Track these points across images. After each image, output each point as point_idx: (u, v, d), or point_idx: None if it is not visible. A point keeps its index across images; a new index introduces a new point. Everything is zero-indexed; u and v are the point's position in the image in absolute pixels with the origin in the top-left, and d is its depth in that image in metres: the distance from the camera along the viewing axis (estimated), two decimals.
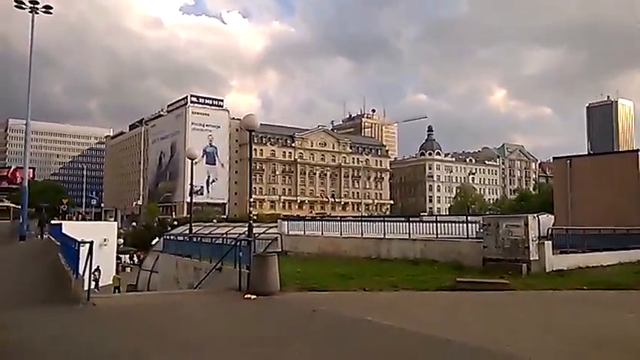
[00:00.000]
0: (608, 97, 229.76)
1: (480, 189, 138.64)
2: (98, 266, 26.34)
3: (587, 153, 67.36)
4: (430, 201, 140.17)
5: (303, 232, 25.31)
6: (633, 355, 7.09)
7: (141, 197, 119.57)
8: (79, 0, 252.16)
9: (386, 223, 22.15)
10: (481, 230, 17.07)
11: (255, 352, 7.16)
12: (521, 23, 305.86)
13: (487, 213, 59.16)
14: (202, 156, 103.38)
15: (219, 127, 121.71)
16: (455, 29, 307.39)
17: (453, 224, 19.34)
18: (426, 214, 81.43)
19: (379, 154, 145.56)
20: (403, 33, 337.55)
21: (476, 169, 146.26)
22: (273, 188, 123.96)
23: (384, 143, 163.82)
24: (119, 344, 7.49)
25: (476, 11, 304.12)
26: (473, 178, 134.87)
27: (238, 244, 13.61)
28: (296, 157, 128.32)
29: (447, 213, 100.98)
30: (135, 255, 58.74)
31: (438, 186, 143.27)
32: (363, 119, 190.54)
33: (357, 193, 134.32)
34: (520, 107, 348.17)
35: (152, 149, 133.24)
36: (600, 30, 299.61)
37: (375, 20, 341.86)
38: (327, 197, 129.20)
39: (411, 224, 20.70)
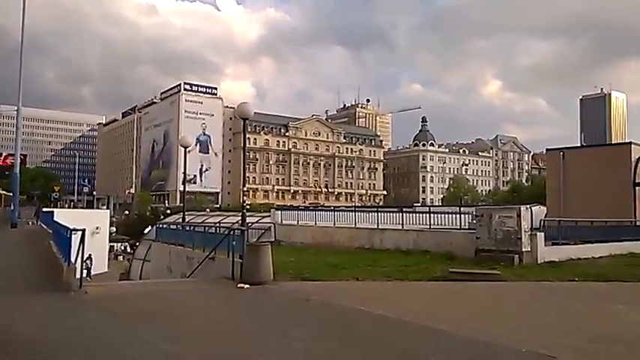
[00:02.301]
0: (602, 89, 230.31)
1: (473, 180, 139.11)
2: (90, 254, 26.20)
3: (580, 145, 67.68)
4: (423, 192, 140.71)
5: (296, 222, 25.29)
6: (625, 347, 7.14)
7: (134, 185, 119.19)
8: None
9: (379, 214, 22.17)
10: (474, 221, 17.11)
11: (248, 340, 7.17)
12: (519, 14, 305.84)
13: (480, 204, 59.38)
14: (195, 144, 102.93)
15: (212, 115, 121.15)
16: (453, 19, 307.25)
17: (446, 215, 19.40)
18: (419, 204, 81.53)
19: (373, 144, 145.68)
20: (401, 22, 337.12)
21: (469, 160, 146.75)
22: (267, 178, 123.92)
23: (378, 133, 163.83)
24: (111, 332, 7.45)
25: (475, 1, 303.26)
26: (466, 169, 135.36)
27: (231, 233, 13.57)
28: (290, 147, 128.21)
29: (440, 204, 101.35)
30: (127, 243, 58.59)
31: (432, 177, 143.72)
32: (357, 109, 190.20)
33: (351, 183, 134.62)
34: (515, 99, 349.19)
35: (145, 137, 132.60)
36: (596, 22, 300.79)
37: (372, 9, 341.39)
38: (320, 187, 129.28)
39: (404, 215, 20.70)
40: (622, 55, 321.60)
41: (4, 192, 39.62)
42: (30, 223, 31.65)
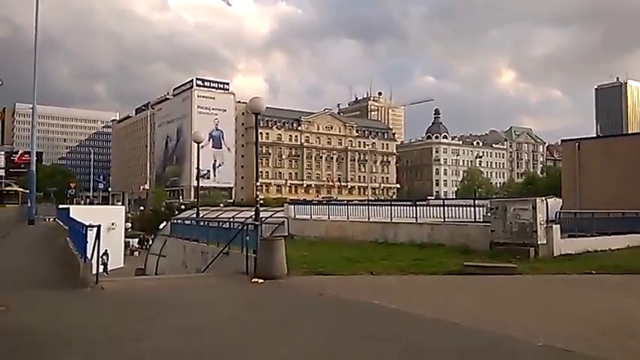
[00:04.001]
0: (617, 78, 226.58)
1: (487, 172, 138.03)
2: (106, 250, 26.52)
3: (595, 135, 66.80)
4: (437, 184, 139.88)
5: (309, 216, 25.27)
6: None
7: (148, 181, 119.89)
8: None
9: (393, 207, 22.08)
10: (488, 214, 16.98)
11: (263, 334, 7.19)
12: (532, 2, 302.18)
13: (494, 197, 58.90)
14: (208, 140, 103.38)
15: (225, 110, 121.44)
16: (465, 8, 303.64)
17: (460, 208, 19.26)
18: (432, 197, 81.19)
19: (386, 137, 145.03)
20: (413, 13, 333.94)
21: (483, 152, 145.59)
22: (280, 172, 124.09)
23: (391, 126, 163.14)
24: (127, 327, 7.53)
25: None
26: (480, 162, 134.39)
27: (245, 228, 13.60)
28: (302, 141, 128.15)
29: (454, 197, 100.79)
30: (143, 239, 59.14)
31: (445, 169, 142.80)
32: (369, 102, 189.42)
33: (364, 176, 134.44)
34: (529, 89, 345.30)
35: (158, 133, 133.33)
36: (612, 11, 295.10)
37: (383, 0, 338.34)
38: (333, 181, 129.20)
39: (417, 208, 20.60)
40: (639, 44, 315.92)
41: (21, 189, 40.12)
42: (47, 219, 32.05)
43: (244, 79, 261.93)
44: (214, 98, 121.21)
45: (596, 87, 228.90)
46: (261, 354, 6.36)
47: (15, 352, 6.27)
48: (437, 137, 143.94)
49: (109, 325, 7.66)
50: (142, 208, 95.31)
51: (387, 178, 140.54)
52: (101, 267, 17.17)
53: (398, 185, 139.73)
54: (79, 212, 20.19)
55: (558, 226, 16.04)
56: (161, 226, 37.91)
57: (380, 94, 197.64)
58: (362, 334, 7.18)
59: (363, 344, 6.72)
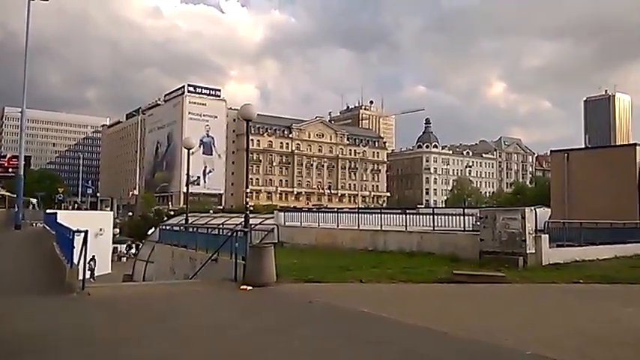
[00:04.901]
0: (606, 91, 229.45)
1: (477, 182, 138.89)
2: (93, 256, 26.21)
3: (584, 146, 67.42)
4: (427, 193, 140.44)
5: (299, 224, 25.22)
6: (632, 350, 7.06)
7: (137, 187, 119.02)
8: None
9: (383, 215, 22.10)
10: (478, 223, 17.04)
11: (251, 341, 7.13)
12: (524, 16, 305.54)
13: (484, 206, 59.08)
14: (199, 146, 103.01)
15: (216, 117, 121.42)
16: (458, 20, 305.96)
17: (450, 217, 19.30)
18: (422, 206, 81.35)
19: (376, 145, 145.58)
20: (406, 24, 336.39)
21: (473, 162, 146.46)
22: (270, 179, 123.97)
23: (382, 135, 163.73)
24: (113, 333, 7.42)
25: (480, 2, 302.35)
26: (470, 171, 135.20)
27: (234, 234, 13.53)
28: (293, 148, 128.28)
29: (444, 205, 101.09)
30: (131, 245, 58.64)
31: (435, 178, 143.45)
32: (360, 111, 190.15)
33: (354, 184, 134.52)
34: (519, 100, 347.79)
35: (149, 139, 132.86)
36: (602, 24, 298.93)
37: (377, 10, 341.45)
38: (323, 189, 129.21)
39: (407, 216, 20.64)
40: (627, 57, 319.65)
41: (8, 194, 39.67)
42: (34, 224, 31.66)
43: (236, 85, 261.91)
44: (206, 104, 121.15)
45: (584, 99, 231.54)
46: (260, 357, 6.35)
47: (13, 356, 6.20)
48: (427, 146, 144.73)
49: (99, 331, 7.55)
50: (130, 213, 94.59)
51: (378, 186, 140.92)
52: (88, 273, 16.96)
53: (388, 193, 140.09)
54: (66, 217, 19.99)
55: (547, 235, 16.13)
56: (150, 232, 37.63)
57: (371, 102, 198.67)
58: (354, 342, 7.14)
59: (353, 350, 6.70)
